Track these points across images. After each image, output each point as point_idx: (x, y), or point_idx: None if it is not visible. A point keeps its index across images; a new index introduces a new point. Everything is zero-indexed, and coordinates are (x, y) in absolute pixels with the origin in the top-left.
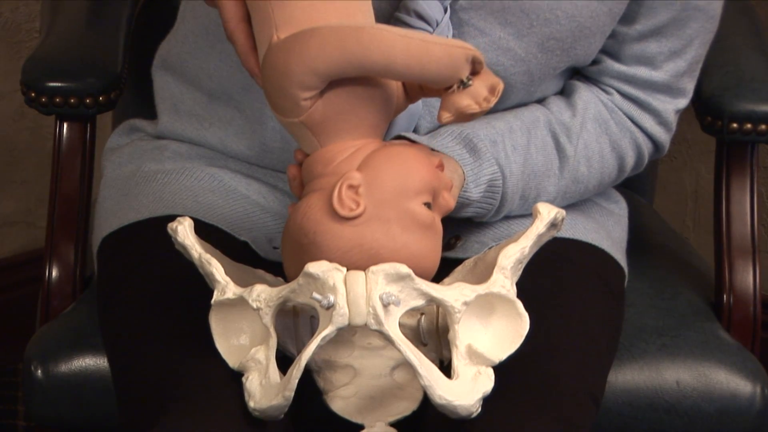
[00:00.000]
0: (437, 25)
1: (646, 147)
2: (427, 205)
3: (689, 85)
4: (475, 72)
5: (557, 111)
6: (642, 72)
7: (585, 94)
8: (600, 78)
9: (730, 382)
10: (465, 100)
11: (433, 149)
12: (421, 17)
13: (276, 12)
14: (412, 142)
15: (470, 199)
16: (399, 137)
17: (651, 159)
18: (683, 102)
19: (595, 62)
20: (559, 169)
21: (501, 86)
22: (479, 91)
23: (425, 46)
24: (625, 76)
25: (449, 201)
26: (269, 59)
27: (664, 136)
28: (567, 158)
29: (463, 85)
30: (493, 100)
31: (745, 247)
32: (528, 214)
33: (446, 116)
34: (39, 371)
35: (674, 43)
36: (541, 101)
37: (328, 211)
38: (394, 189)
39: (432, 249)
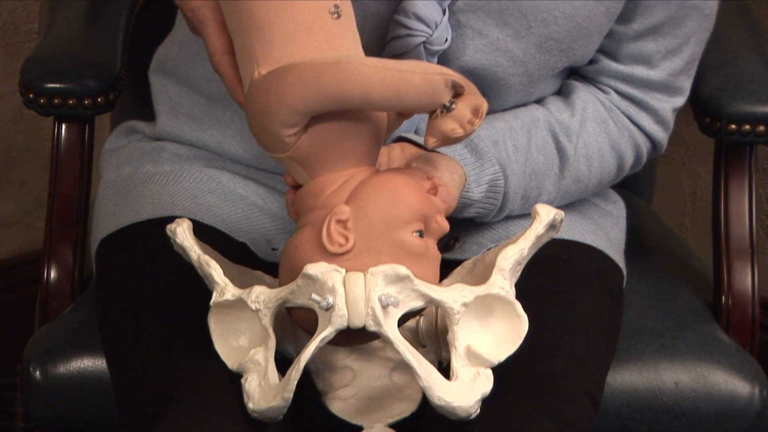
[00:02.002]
0: (436, 27)
1: (645, 146)
2: (419, 232)
3: (686, 84)
4: (458, 94)
5: (556, 111)
6: (639, 71)
7: (583, 93)
8: (597, 77)
9: (729, 383)
10: (449, 124)
11: (433, 150)
12: (419, 19)
13: (256, 46)
14: (413, 143)
15: (472, 199)
16: (400, 138)
17: (649, 158)
18: (680, 100)
19: (592, 62)
20: (560, 169)
21: (485, 107)
22: (463, 114)
23: (402, 76)
24: (623, 75)
25: (443, 224)
26: (250, 98)
27: (662, 135)
28: (567, 158)
29: (446, 109)
30: (478, 122)
31: (743, 249)
32: (528, 215)
33: (432, 141)
34: (37, 372)
35: (671, 41)
36: (539, 101)
37: (318, 247)
38: (382, 220)
39: (425, 276)
